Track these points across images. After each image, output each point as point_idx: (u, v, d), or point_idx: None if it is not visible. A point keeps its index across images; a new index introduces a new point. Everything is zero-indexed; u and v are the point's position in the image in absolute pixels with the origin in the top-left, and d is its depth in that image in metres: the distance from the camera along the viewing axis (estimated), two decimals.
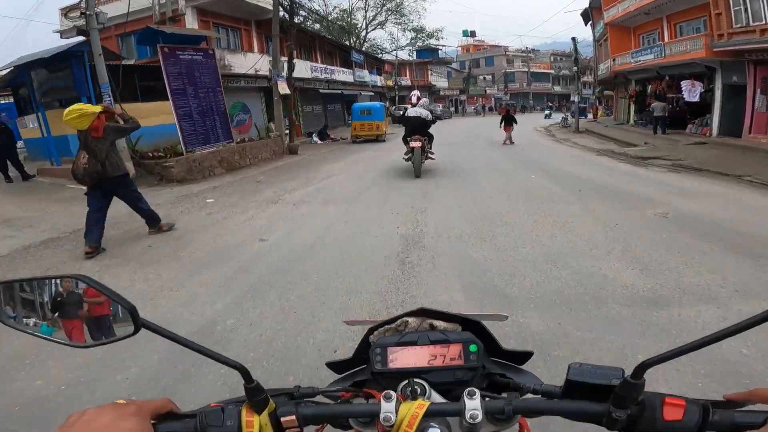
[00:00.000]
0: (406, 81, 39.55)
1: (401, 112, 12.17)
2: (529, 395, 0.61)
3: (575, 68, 26.76)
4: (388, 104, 35.83)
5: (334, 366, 0.78)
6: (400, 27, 41.89)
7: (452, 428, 0.57)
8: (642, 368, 0.48)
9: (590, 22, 27.51)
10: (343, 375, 0.77)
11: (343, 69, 25.82)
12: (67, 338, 0.58)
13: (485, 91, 48.78)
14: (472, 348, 0.65)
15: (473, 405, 0.54)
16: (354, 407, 0.61)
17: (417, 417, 0.54)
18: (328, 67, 23.70)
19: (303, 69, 20.13)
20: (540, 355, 2.37)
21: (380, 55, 39.41)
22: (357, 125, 18.24)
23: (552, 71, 60.52)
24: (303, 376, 2.33)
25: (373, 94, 31.03)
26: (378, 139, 18.17)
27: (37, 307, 0.59)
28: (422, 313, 0.73)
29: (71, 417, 0.49)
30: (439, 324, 0.72)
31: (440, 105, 38.08)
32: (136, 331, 0.55)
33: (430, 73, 42.39)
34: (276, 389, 0.62)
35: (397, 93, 36.45)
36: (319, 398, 0.64)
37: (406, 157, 8.87)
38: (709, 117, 14.98)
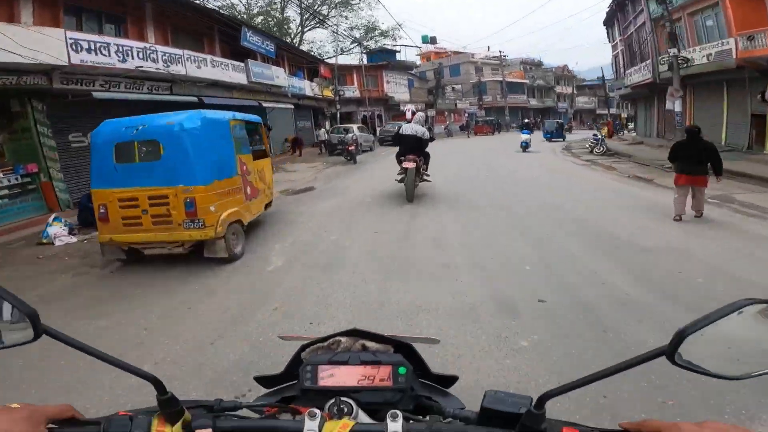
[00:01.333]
0: (352, 91, 28.48)
1: (396, 129, 11.04)
2: (449, 420, 0.62)
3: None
4: (324, 125, 24.29)
5: (262, 380, 0.80)
6: (345, 21, 30.87)
7: None
8: (543, 399, 0.52)
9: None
10: (271, 390, 0.78)
11: (231, 62, 14.21)
12: None
13: (455, 104, 38.77)
14: (401, 370, 0.67)
15: (395, 427, 0.55)
16: (276, 423, 0.60)
17: None
18: (169, 51, 11.08)
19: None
20: None
21: (322, 57, 28.29)
22: (107, 203, 4.84)
23: (526, 80, 52.15)
24: None
25: (293, 107, 19.53)
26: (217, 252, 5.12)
27: None
28: (355, 333, 0.76)
29: None
30: (372, 345, 0.74)
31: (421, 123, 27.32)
32: (36, 338, 0.54)
33: (385, 81, 31.66)
34: (194, 401, 0.61)
35: (338, 108, 25.12)
36: (244, 412, 0.63)
37: (399, 178, 8.09)
38: None
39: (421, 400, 0.70)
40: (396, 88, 32.85)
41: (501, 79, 46.03)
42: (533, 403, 0.53)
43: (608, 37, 28.88)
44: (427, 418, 0.65)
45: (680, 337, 0.47)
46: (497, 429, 0.55)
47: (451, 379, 0.79)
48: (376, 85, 31.42)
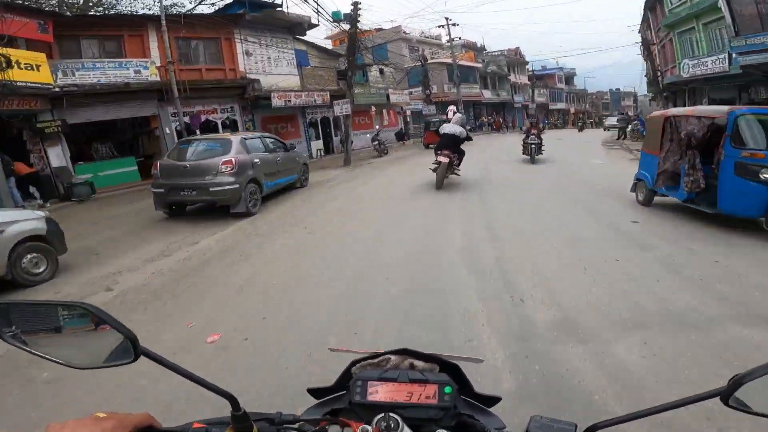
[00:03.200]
0: (144, 67, 11.89)
1: (436, 127, 12.68)
2: None
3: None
4: None
5: (314, 392, 0.81)
6: None
7: None
8: (593, 429, 0.53)
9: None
10: (321, 401, 0.79)
11: None
12: (67, 359, 0.59)
13: (387, 97, 23.46)
14: (447, 389, 0.70)
15: None
16: None
17: None
18: None
19: None
20: None
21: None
22: None
23: (479, 64, 38.69)
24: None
25: None
26: None
27: (41, 328, 0.60)
28: (404, 352, 0.78)
29: (50, 427, 0.50)
30: (419, 364, 0.77)
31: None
32: (135, 359, 0.57)
33: (239, 48, 15.37)
34: (258, 413, 0.64)
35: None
36: (298, 425, 0.67)
37: (433, 167, 9.00)
38: None
39: (464, 418, 0.72)
40: (268, 64, 16.65)
41: (451, 61, 31.75)
42: (582, 428, 0.55)
43: None
44: None
45: (737, 384, 0.50)
46: None
47: (494, 400, 0.80)
48: (218, 60, 15.07)
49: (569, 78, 65.21)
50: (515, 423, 0.77)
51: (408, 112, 26.86)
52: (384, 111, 24.88)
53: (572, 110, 61.91)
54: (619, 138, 22.50)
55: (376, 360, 0.77)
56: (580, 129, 33.88)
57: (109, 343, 0.59)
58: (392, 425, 0.62)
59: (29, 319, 0.61)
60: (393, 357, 0.77)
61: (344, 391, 0.76)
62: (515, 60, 46.43)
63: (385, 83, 24.75)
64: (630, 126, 21.95)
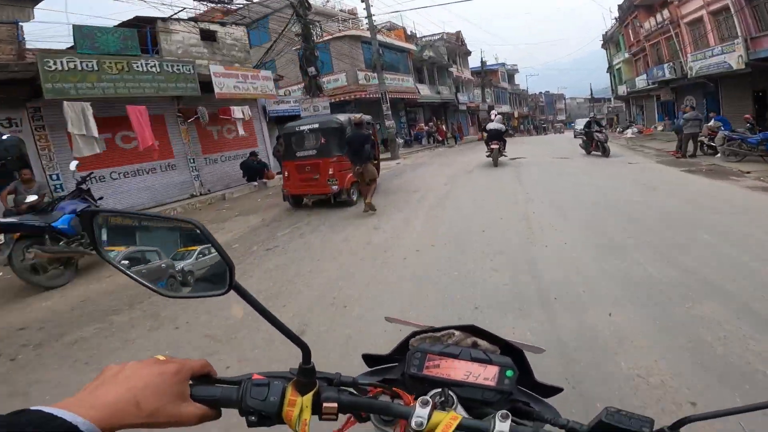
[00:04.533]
0: None
1: (484, 126, 16.40)
2: (556, 428, 0.62)
3: None
4: None
5: (368, 359, 0.81)
6: None
7: None
8: (682, 422, 0.51)
9: None
10: (374, 369, 0.79)
11: None
12: (154, 283, 0.58)
13: (208, 85, 10.54)
14: (509, 373, 0.67)
15: (503, 427, 0.55)
16: (389, 405, 0.61)
17: (450, 427, 0.55)
18: None
19: None
20: None
21: None
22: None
23: (413, 47, 26.93)
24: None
25: None
26: None
27: (138, 244, 0.58)
28: (471, 329, 0.76)
29: (109, 369, 0.49)
30: (483, 344, 0.75)
31: None
32: (227, 291, 0.55)
33: None
34: (319, 372, 0.61)
35: None
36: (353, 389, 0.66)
37: (487, 153, 12.97)
38: None
39: (518, 405, 0.70)
40: None
41: (369, 34, 19.43)
42: (666, 426, 0.53)
43: None
44: (529, 423, 0.63)
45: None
46: None
47: (554, 390, 0.78)
48: None
49: (511, 76, 57.06)
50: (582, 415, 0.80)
51: (261, 122, 13.85)
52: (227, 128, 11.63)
53: (516, 114, 53.61)
54: (683, 153, 11.73)
55: (438, 334, 0.76)
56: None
57: (204, 270, 0.57)
58: (448, 401, 0.62)
59: (130, 231, 0.59)
60: (457, 333, 0.75)
61: (397, 363, 0.76)
62: (456, 48, 35.59)
63: (223, 56, 11.62)
64: (713, 132, 11.10)
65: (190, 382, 0.53)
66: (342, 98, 20.22)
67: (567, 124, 74.12)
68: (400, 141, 23.20)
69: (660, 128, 25.63)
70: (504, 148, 12.98)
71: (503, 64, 52.10)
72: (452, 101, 33.02)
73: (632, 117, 33.46)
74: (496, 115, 14.11)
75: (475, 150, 20.92)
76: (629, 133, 22.71)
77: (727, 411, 0.50)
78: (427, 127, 25.47)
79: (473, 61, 62.47)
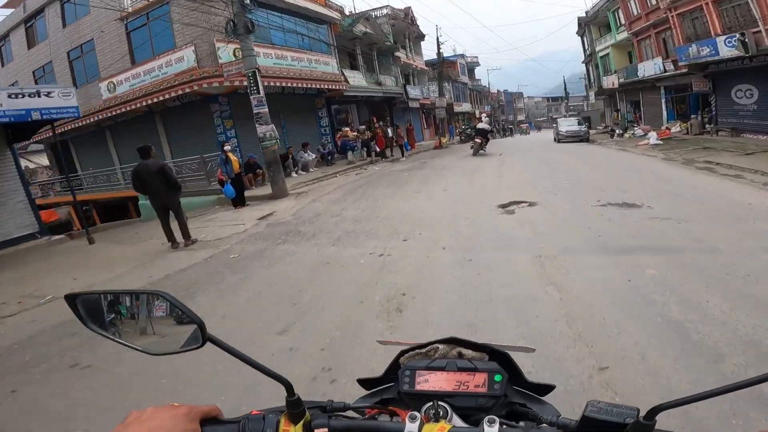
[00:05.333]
0: None
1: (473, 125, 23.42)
2: (546, 426, 0.62)
3: None
4: None
5: (364, 382, 0.82)
6: None
7: None
8: (655, 411, 0.51)
9: None
10: (371, 391, 0.80)
11: None
12: (140, 345, 0.63)
13: None
14: (497, 377, 0.68)
15: (491, 431, 0.56)
16: (380, 424, 0.63)
17: None
18: None
19: None
20: None
21: None
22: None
23: (335, 14, 18.32)
24: None
25: None
26: None
27: (119, 316, 0.65)
28: (453, 341, 0.77)
29: (131, 414, 0.54)
30: (468, 353, 0.75)
31: None
32: (202, 345, 0.60)
33: None
34: (310, 401, 0.65)
35: None
36: (348, 413, 0.67)
37: (471, 144, 17.04)
38: None
39: (515, 407, 0.71)
40: None
41: None
42: (642, 414, 0.52)
43: None
44: (522, 424, 0.65)
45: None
46: None
47: (547, 388, 0.76)
48: None
49: (471, 70, 49.89)
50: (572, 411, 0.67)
51: None
52: None
53: (478, 113, 46.35)
54: None
55: (423, 350, 0.77)
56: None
57: (183, 329, 0.62)
58: (441, 413, 0.63)
59: (105, 308, 0.65)
60: (441, 346, 0.77)
61: (393, 383, 0.78)
62: (405, 28, 27.35)
63: None
64: None
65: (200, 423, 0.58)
66: (183, 90, 11.51)
67: (529, 124, 69.78)
68: (310, 157, 14.51)
69: (677, 128, 18.75)
70: (486, 144, 16.49)
71: (462, 56, 44.71)
72: (399, 96, 24.84)
73: (622, 116, 26.65)
74: (485, 117, 18.62)
75: (445, 167, 13.26)
76: (652, 139, 15.29)
77: (699, 395, 0.50)
78: (355, 134, 16.93)
79: (428, 51, 53.89)
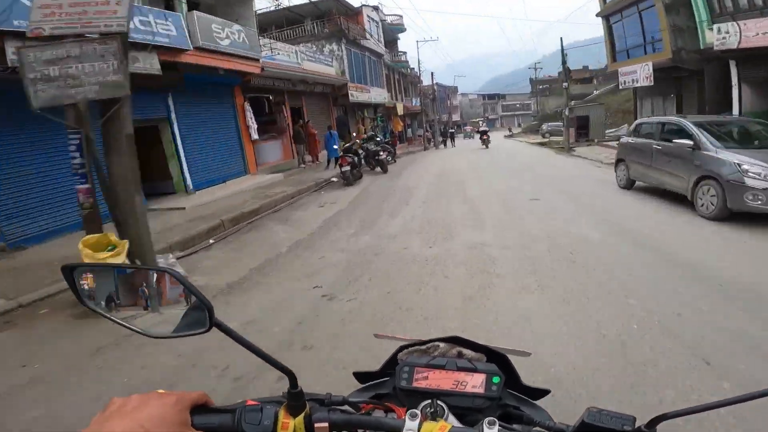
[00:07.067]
0: None
1: (478, 129, 33.39)
2: (541, 430, 0.62)
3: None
4: None
5: (359, 376, 0.82)
6: None
7: None
8: (657, 420, 0.51)
9: None
10: (365, 385, 0.79)
11: None
12: (143, 328, 0.60)
13: None
14: (495, 379, 0.68)
15: None
16: (380, 420, 0.61)
17: None
18: None
19: None
20: None
21: None
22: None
23: None
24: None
25: None
26: None
27: (119, 293, 0.61)
28: (454, 340, 0.77)
29: (113, 402, 0.50)
30: (468, 353, 0.75)
31: None
32: (208, 329, 0.57)
33: None
34: (309, 394, 0.62)
35: None
36: (344, 407, 0.66)
37: (480, 140, 25.71)
38: None
39: (509, 409, 0.70)
40: None
41: None
42: (643, 424, 0.53)
43: None
44: (517, 427, 0.64)
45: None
46: None
47: (542, 392, 0.78)
48: None
49: (393, 40, 32.37)
50: (567, 416, 0.67)
51: None
52: None
53: (399, 110, 29.79)
54: None
55: (424, 347, 0.76)
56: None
57: (188, 312, 0.59)
58: (438, 412, 0.62)
59: (105, 284, 0.60)
60: (441, 344, 0.76)
61: (388, 377, 0.76)
62: None
63: None
64: None
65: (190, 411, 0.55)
66: None
67: (461, 125, 56.19)
68: None
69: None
70: (489, 140, 25.32)
71: (376, 8, 26.39)
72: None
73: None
74: (483, 124, 31.81)
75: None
76: None
77: (704, 406, 0.50)
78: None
79: None
